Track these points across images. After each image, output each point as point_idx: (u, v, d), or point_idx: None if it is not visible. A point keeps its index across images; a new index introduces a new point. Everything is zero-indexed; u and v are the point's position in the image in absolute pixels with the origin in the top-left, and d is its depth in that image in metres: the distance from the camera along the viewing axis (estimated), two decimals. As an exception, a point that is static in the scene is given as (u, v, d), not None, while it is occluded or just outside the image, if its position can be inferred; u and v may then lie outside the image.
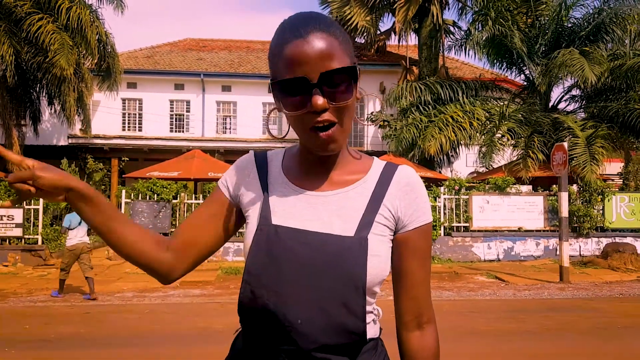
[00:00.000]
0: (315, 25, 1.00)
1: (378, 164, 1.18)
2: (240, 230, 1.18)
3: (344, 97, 1.01)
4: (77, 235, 8.46)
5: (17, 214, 12.16)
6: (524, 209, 13.35)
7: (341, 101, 1.01)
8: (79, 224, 8.47)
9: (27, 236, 12.36)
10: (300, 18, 1.03)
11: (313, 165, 1.14)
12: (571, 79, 15.40)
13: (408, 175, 1.15)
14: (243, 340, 1.15)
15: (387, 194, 1.12)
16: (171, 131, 22.13)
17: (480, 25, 16.42)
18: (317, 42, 0.98)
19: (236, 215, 1.20)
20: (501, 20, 15.18)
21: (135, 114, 22.14)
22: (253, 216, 1.13)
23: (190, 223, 1.20)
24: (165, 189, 12.60)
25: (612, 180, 19.18)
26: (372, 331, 1.12)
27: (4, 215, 12.10)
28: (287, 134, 1.23)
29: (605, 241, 13.26)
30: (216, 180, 13.66)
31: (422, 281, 1.15)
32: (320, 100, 0.98)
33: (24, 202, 10.00)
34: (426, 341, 1.15)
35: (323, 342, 1.03)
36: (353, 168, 1.15)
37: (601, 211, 13.53)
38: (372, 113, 20.12)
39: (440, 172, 17.81)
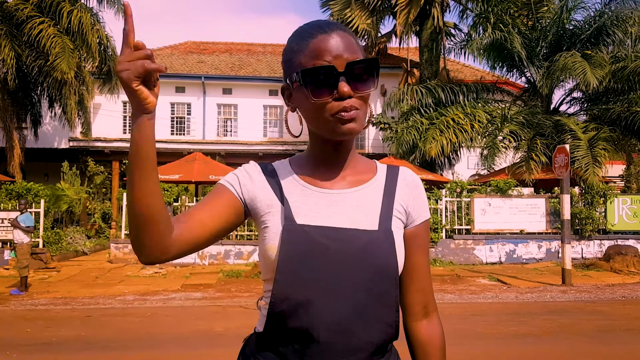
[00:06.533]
0: (335, 25, 1.11)
1: (381, 165, 1.26)
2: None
3: (367, 86, 1.09)
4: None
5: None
6: (525, 211, 13.32)
7: (365, 90, 1.09)
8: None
9: (28, 239, 12.32)
10: (320, 21, 1.13)
11: (327, 166, 1.18)
12: (572, 81, 15.38)
13: (411, 174, 1.25)
14: (264, 340, 1.13)
15: (397, 191, 1.19)
16: (172, 134, 22.15)
17: (481, 28, 16.41)
18: (340, 38, 1.09)
19: (238, 216, 1.16)
20: (501, 25, 15.15)
21: (136, 117, 22.14)
22: (273, 219, 1.13)
23: (202, 209, 1.11)
24: (166, 192, 12.58)
25: (614, 182, 19.15)
26: None
27: (5, 219, 12.10)
28: (301, 132, 1.20)
29: (607, 243, 13.20)
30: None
31: (428, 272, 1.23)
32: (346, 87, 1.06)
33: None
34: (435, 328, 1.23)
35: (359, 336, 1.06)
36: (362, 168, 1.22)
37: (603, 213, 13.49)
38: (372, 115, 20.09)
39: (441, 175, 17.78)
